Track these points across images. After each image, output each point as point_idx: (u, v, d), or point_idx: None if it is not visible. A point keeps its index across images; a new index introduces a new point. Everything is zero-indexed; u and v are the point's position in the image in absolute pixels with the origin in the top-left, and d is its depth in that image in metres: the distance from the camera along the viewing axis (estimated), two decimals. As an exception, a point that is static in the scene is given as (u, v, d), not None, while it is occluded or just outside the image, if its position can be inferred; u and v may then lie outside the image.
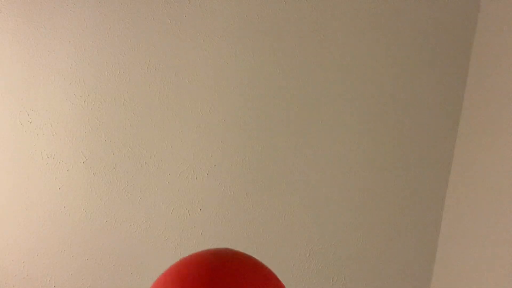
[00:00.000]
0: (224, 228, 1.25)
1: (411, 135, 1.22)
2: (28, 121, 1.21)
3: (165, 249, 1.26)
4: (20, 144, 1.21)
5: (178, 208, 1.25)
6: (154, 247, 1.27)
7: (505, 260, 0.95)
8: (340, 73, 1.19)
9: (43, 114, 1.20)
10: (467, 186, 1.14)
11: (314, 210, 1.25)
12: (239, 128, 1.22)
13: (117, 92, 1.20)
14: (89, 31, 1.17)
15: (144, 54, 1.18)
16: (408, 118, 1.21)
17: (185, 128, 1.22)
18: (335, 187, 1.24)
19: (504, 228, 0.97)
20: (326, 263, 1.27)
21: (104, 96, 1.20)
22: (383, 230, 1.26)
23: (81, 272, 1.28)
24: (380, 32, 1.18)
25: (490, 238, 1.02)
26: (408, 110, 1.21)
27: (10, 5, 1.15)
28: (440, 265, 1.25)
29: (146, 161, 1.23)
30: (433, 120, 1.21)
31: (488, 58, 1.10)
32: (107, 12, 1.16)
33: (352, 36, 1.18)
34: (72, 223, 1.25)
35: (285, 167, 1.23)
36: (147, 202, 1.25)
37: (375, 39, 1.18)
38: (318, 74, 1.20)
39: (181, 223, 1.26)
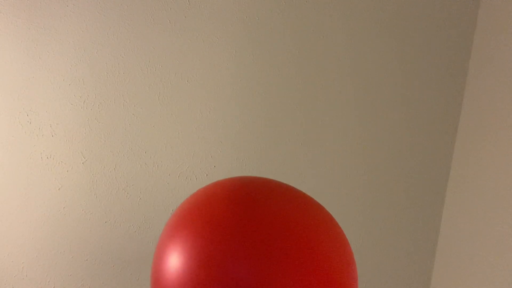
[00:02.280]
0: (224, 229, 1.25)
1: (410, 135, 1.22)
2: (28, 121, 1.20)
3: (165, 250, 1.26)
4: (19, 144, 1.21)
5: (178, 209, 1.25)
6: (154, 248, 1.27)
7: (505, 260, 0.95)
8: (340, 73, 1.20)
9: (42, 114, 1.20)
10: (467, 186, 1.14)
11: (314, 211, 1.25)
12: (239, 129, 1.22)
13: (117, 93, 1.20)
14: (88, 31, 1.17)
15: (144, 54, 1.18)
16: (408, 118, 1.21)
17: (185, 128, 1.22)
18: (334, 188, 1.24)
19: (504, 228, 0.97)
20: (326, 263, 1.27)
21: (103, 97, 1.20)
22: (383, 230, 1.26)
23: (81, 272, 1.28)
24: (380, 32, 1.18)
25: (490, 238, 1.02)
26: (408, 110, 1.21)
27: (10, 6, 1.15)
28: (440, 265, 1.25)
29: (145, 162, 1.23)
30: (433, 120, 1.21)
31: (488, 57, 1.10)
32: (107, 13, 1.16)
33: (351, 36, 1.18)
34: (71, 224, 1.25)
35: (284, 168, 1.23)
36: (147, 202, 1.25)
37: (375, 40, 1.18)
38: (317, 74, 1.20)
39: (181, 223, 1.25)
